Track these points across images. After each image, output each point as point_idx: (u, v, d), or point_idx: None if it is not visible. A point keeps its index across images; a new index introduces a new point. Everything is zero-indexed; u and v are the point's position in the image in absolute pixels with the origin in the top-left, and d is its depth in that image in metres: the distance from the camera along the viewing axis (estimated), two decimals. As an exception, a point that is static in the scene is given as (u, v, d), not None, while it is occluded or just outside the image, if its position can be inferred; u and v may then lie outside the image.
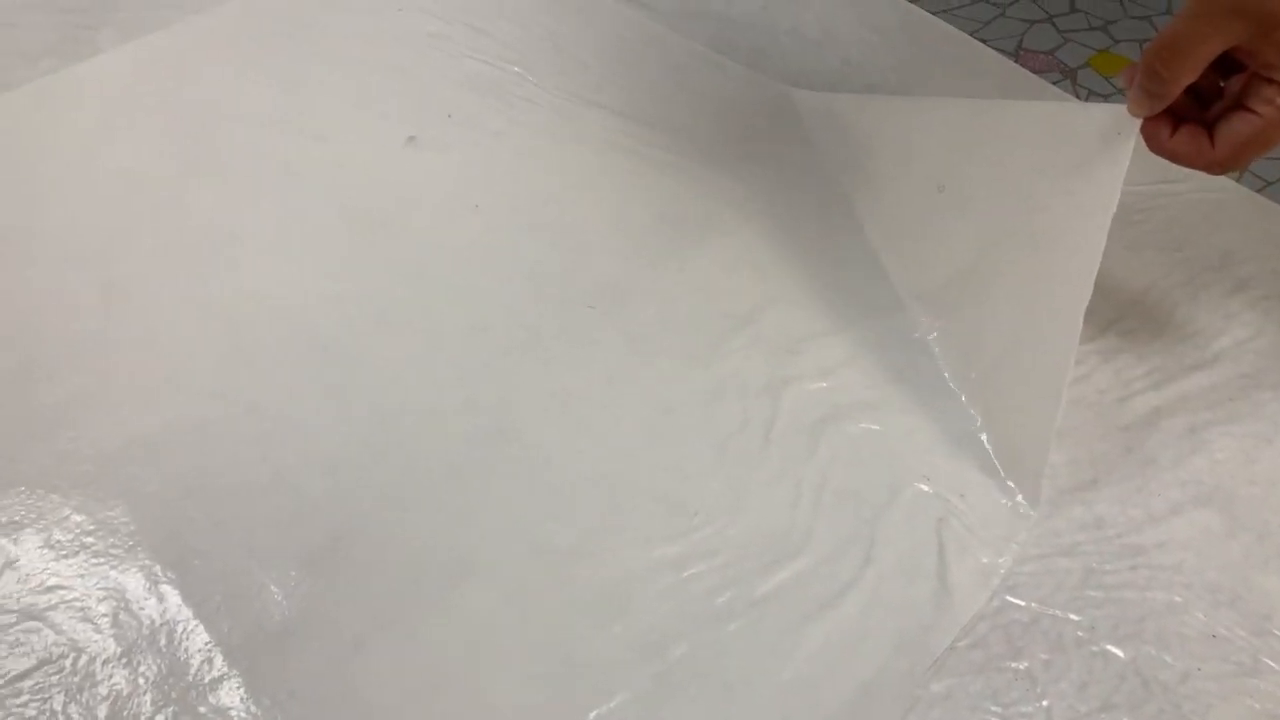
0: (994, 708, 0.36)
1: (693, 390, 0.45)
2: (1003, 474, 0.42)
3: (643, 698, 0.36)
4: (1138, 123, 0.40)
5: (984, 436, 0.43)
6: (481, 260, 0.48)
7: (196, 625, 0.37)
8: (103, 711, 0.35)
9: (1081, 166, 0.41)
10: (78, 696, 0.35)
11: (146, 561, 0.39)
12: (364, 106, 0.54)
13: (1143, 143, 0.40)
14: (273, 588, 0.38)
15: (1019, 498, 0.41)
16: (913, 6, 0.62)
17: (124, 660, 0.36)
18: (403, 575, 0.39)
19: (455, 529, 0.40)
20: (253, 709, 0.35)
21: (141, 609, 0.37)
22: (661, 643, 0.38)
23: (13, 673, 0.36)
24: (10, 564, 0.38)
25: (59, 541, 0.39)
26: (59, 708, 0.35)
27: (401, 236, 0.49)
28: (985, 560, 0.40)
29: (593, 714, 0.36)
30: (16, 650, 0.36)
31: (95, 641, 0.36)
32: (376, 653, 0.37)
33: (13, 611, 0.37)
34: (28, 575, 0.38)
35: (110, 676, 0.36)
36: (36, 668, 0.36)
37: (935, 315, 0.46)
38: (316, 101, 0.54)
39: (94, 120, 0.53)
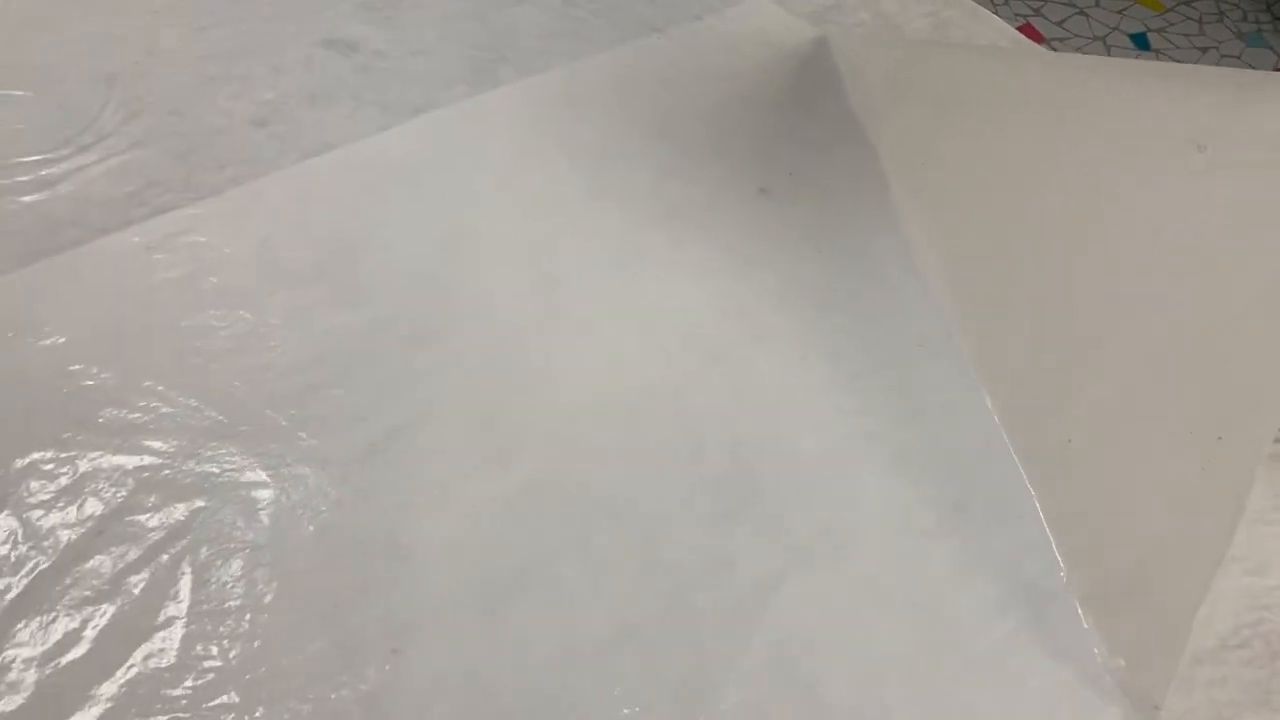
0: (1261, 694, 0.48)
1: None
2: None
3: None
4: None
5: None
6: (826, 298, 0.60)
7: (640, 561, 0.49)
8: (599, 619, 0.47)
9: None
10: (556, 600, 0.47)
11: (595, 506, 0.50)
12: (721, 157, 0.66)
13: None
14: (693, 537, 0.50)
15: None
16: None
17: (587, 579, 0.48)
18: (803, 538, 0.50)
19: (829, 510, 0.52)
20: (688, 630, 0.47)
21: (595, 541, 0.49)
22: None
23: (507, 572, 0.48)
24: (500, 472, 0.50)
25: (534, 478, 0.51)
26: (560, 614, 0.47)
27: (765, 270, 0.61)
28: (1247, 581, 0.51)
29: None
30: (505, 544, 0.48)
31: (571, 564, 0.48)
32: (792, 589, 0.48)
33: (500, 512, 0.49)
34: (519, 490, 0.50)
35: (575, 586, 0.48)
36: (521, 570, 0.48)
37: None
38: (685, 148, 0.66)
39: (508, 143, 0.65)
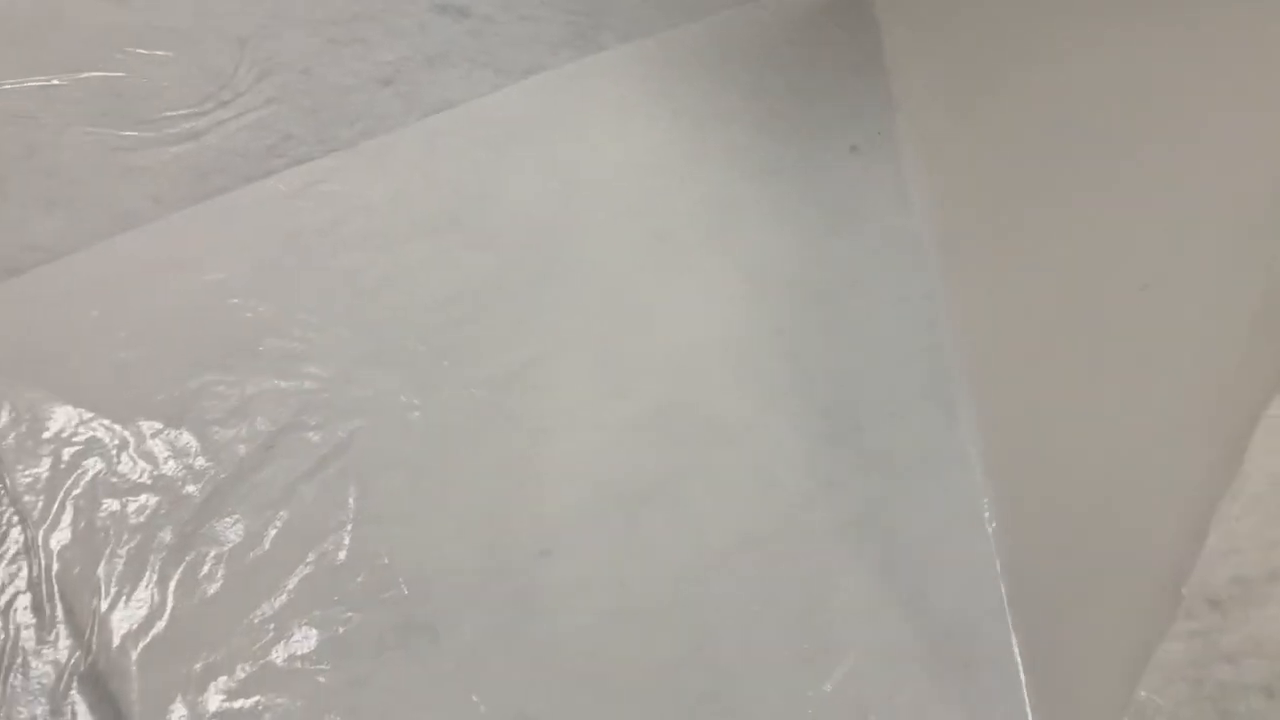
0: None
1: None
2: None
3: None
4: None
5: None
6: (919, 247, 0.64)
7: (757, 480, 0.53)
8: (724, 530, 0.51)
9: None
10: (684, 512, 0.52)
11: (713, 430, 0.55)
12: (813, 117, 0.70)
13: None
14: (804, 460, 0.54)
15: None
16: None
17: (711, 495, 0.53)
18: (903, 463, 0.55)
19: (925, 437, 0.56)
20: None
21: (715, 461, 0.54)
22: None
23: (644, 483, 0.52)
24: (625, 399, 0.55)
25: (657, 404, 0.55)
26: (688, 524, 0.51)
27: (861, 222, 0.65)
28: None
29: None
30: (635, 462, 0.53)
31: (696, 481, 0.53)
32: (896, 508, 0.53)
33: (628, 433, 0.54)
34: (644, 415, 0.54)
35: (700, 501, 0.52)
36: (651, 485, 0.52)
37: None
38: (778, 109, 0.70)
39: (614, 103, 0.69)
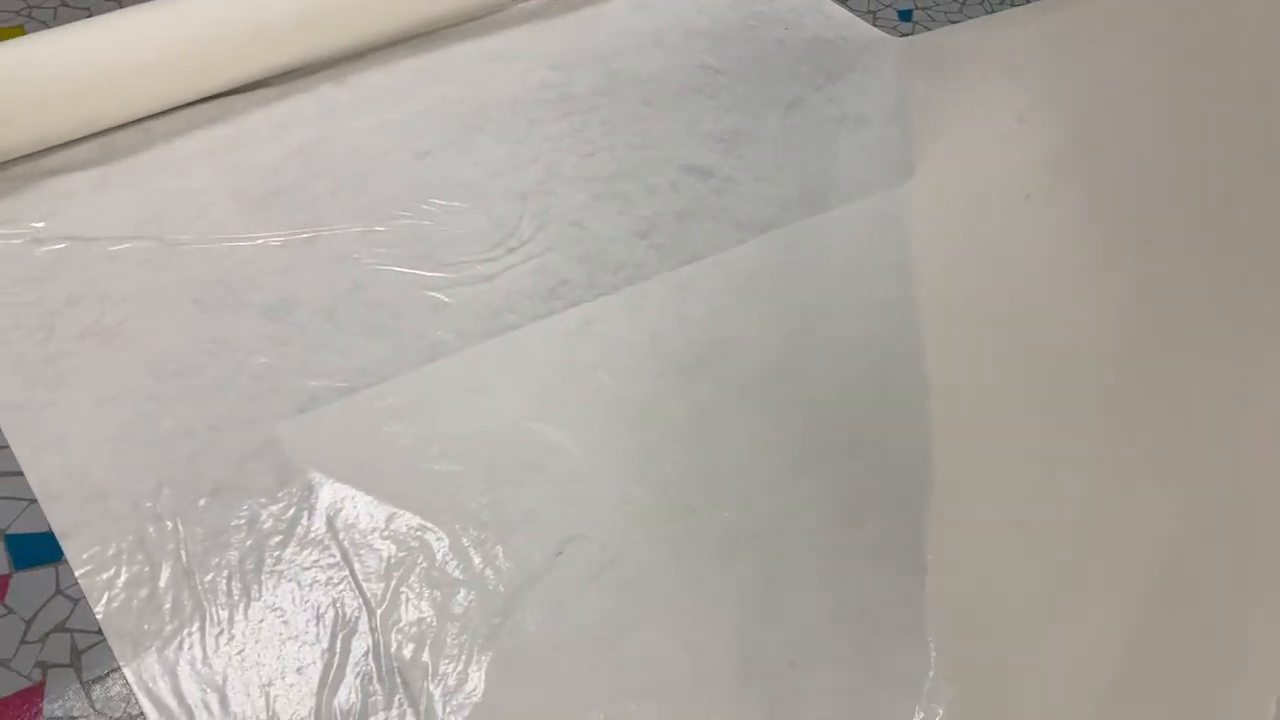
0: None
1: None
2: None
3: None
4: None
5: None
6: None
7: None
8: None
9: None
10: (904, 626, 0.59)
11: (927, 557, 0.62)
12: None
13: None
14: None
15: None
16: None
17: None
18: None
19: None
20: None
21: (932, 579, 0.61)
22: None
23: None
24: (858, 528, 0.63)
25: (886, 532, 0.63)
26: (908, 637, 0.59)
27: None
28: None
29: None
30: (863, 585, 0.60)
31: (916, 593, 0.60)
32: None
33: (859, 558, 0.62)
34: (872, 543, 0.62)
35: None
36: (871, 602, 0.60)
37: None
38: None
39: (838, 258, 0.79)
